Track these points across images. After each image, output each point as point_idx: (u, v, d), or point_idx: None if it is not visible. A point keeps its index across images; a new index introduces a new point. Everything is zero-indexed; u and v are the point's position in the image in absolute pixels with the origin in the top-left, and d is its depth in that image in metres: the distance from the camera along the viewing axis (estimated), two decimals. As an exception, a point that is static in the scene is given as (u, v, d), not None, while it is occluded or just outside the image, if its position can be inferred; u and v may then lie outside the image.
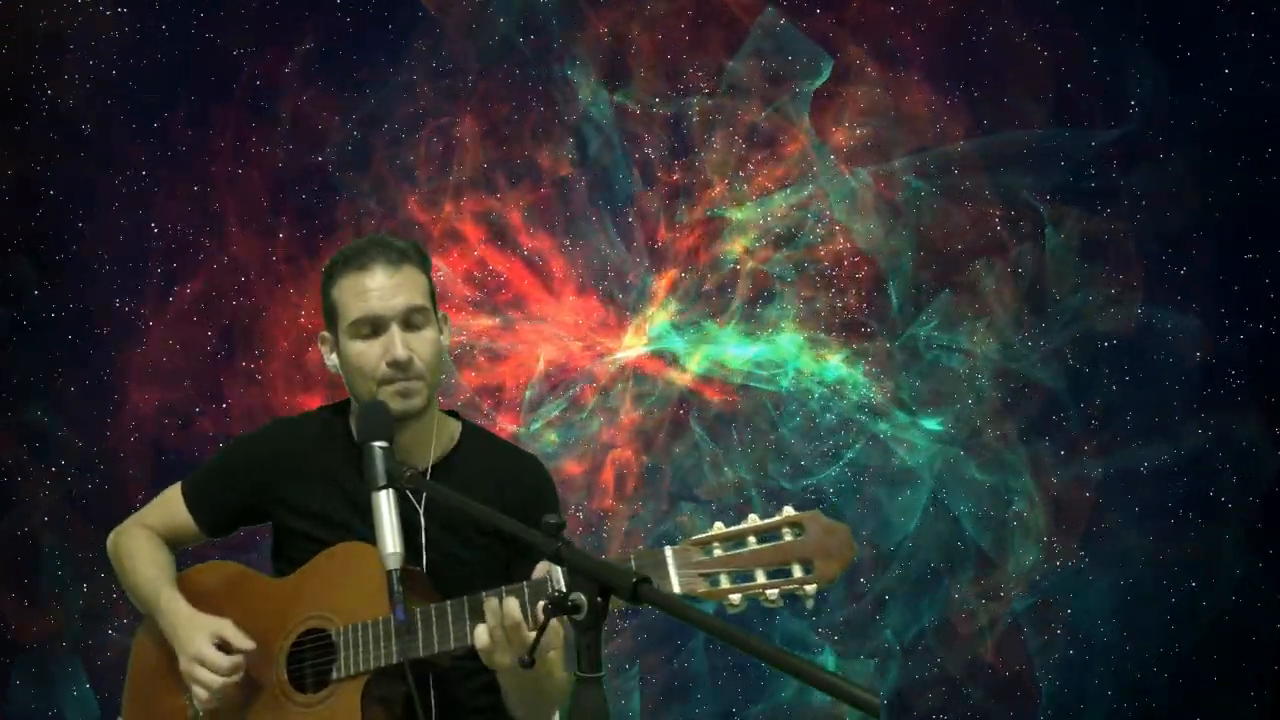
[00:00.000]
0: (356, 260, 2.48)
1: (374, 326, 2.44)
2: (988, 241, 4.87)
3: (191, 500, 2.72)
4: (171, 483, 2.77)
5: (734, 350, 4.93)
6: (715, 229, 5.01)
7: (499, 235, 5.03)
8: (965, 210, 4.86)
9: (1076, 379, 4.81)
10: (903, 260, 4.89)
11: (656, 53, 4.97)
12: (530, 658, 1.88)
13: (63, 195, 4.86)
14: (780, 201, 4.93)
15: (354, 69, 5.03)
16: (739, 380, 4.91)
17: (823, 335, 4.90)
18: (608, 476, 4.94)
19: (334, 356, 2.54)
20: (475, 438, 2.64)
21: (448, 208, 5.01)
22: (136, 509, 2.82)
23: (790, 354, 4.91)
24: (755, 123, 4.95)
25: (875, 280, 4.93)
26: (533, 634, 1.94)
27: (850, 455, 4.87)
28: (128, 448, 4.83)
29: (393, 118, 5.03)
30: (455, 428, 2.62)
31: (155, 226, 4.93)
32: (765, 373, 4.91)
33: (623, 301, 5.02)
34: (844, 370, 4.91)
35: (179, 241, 4.93)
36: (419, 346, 2.45)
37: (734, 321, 4.94)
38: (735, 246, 4.99)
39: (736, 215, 4.99)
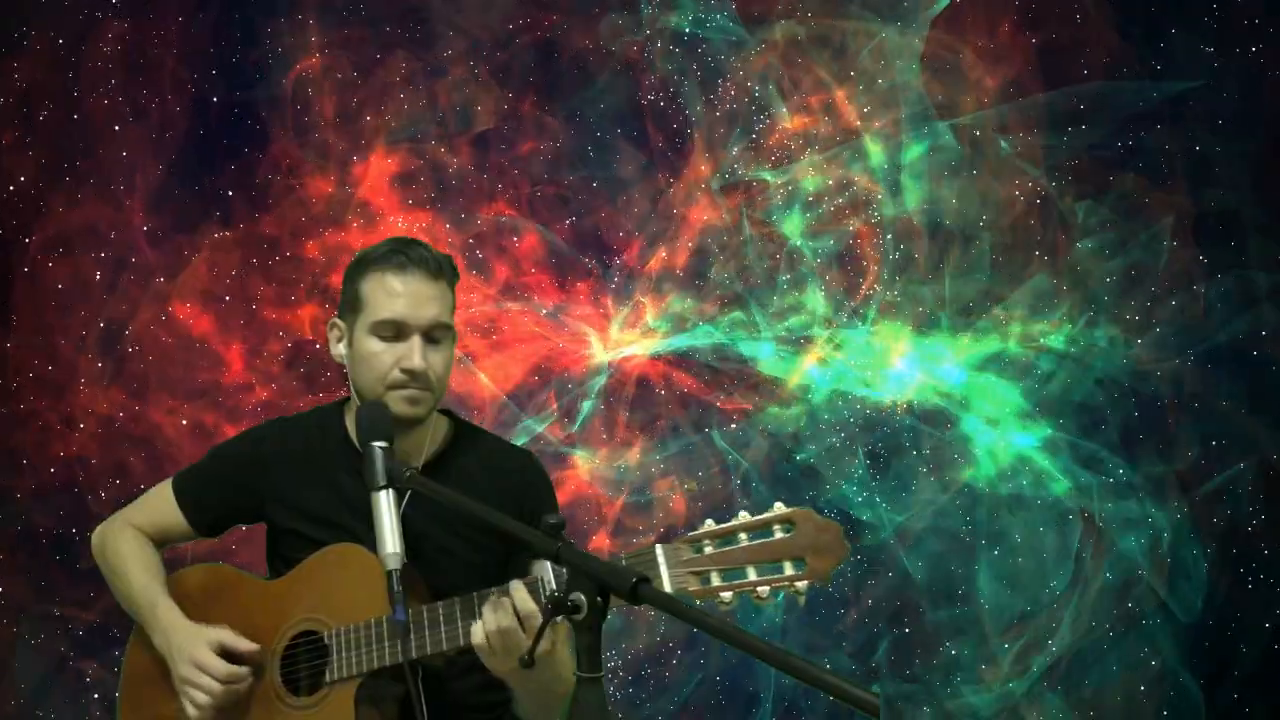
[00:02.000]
0: (395, 259, 2.60)
1: (398, 331, 2.58)
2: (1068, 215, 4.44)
3: (183, 499, 2.82)
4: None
5: (763, 349, 4.51)
6: (738, 199, 4.52)
7: (462, 201, 4.54)
8: (1039, 179, 4.43)
9: (1187, 383, 4.37)
10: (978, 236, 4.44)
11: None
12: (530, 657, 1.96)
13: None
14: (828, 165, 4.47)
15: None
16: (761, 382, 4.51)
17: (876, 329, 4.46)
18: (611, 509, 4.47)
19: (341, 346, 2.68)
20: (468, 435, 2.76)
21: (396, 162, 4.52)
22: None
23: (838, 354, 4.47)
24: (807, 60, 4.46)
25: (944, 259, 4.47)
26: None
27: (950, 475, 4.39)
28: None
29: (309, 46, 4.47)
30: (447, 426, 2.75)
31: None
32: (795, 372, 4.49)
33: (619, 288, 4.54)
34: (912, 373, 4.45)
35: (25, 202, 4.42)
36: (435, 361, 2.60)
37: (764, 313, 4.50)
38: (763, 218, 4.50)
39: (770, 179, 4.49)
